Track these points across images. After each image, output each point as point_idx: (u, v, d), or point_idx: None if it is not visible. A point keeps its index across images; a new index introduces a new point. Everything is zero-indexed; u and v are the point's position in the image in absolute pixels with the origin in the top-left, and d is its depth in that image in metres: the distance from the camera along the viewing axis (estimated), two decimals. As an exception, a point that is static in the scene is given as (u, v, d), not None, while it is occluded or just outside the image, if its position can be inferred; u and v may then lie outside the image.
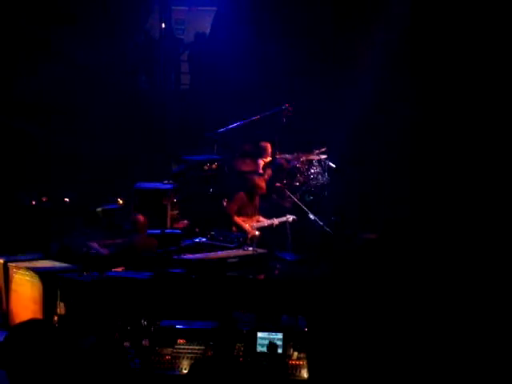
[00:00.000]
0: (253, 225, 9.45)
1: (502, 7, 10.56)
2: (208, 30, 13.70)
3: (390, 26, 11.57)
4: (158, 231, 9.13)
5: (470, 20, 10.75)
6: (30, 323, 3.06)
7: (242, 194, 9.65)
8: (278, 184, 10.30)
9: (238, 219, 9.43)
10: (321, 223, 9.51)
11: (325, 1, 12.18)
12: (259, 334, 5.65)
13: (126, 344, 6.45)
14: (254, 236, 9.14)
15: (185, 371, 5.53)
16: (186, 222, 10.20)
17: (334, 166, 11.09)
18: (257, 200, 9.74)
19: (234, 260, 8.09)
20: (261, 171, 10.91)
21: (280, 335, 5.62)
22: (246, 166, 11.17)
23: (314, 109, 11.78)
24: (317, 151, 10.99)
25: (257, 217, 9.68)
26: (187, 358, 5.63)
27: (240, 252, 8.35)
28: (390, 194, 10.73)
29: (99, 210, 10.06)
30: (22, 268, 7.39)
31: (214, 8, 13.60)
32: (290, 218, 9.69)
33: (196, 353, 5.67)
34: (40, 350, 2.67)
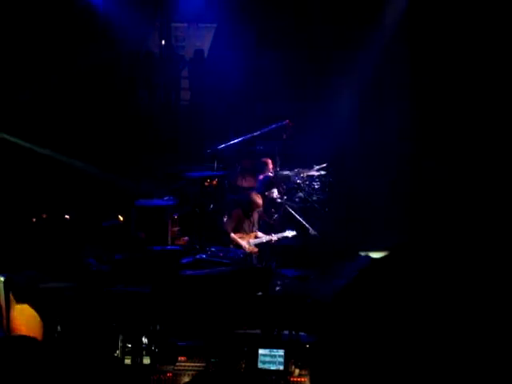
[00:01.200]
0: (249, 241, 9.42)
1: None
2: (208, 47, 13.74)
3: (385, 36, 11.62)
4: (159, 248, 9.11)
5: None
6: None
7: (239, 210, 9.63)
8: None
9: (235, 236, 9.40)
10: (321, 239, 9.49)
11: (324, 16, 12.21)
12: (261, 351, 5.61)
13: (127, 361, 6.43)
14: (252, 252, 9.14)
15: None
16: (186, 238, 10.18)
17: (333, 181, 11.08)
18: (255, 216, 9.73)
19: (234, 276, 8.06)
20: (261, 188, 10.89)
21: (281, 352, 5.59)
22: (246, 183, 11.16)
23: (313, 124, 11.78)
24: (317, 167, 10.98)
25: (255, 233, 9.65)
26: (188, 375, 5.60)
27: (241, 268, 8.32)
28: (391, 208, 10.70)
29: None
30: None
31: (214, 25, 13.65)
32: (290, 233, 9.65)
33: (197, 370, 5.64)
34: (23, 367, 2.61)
